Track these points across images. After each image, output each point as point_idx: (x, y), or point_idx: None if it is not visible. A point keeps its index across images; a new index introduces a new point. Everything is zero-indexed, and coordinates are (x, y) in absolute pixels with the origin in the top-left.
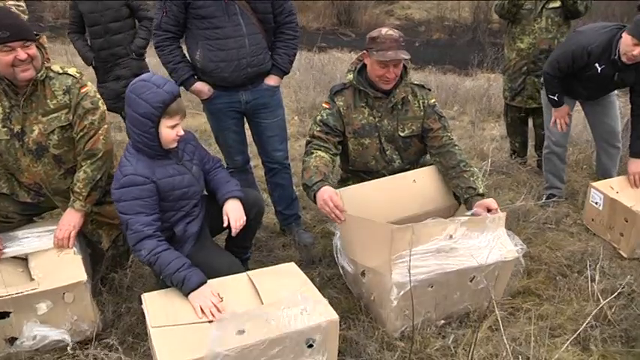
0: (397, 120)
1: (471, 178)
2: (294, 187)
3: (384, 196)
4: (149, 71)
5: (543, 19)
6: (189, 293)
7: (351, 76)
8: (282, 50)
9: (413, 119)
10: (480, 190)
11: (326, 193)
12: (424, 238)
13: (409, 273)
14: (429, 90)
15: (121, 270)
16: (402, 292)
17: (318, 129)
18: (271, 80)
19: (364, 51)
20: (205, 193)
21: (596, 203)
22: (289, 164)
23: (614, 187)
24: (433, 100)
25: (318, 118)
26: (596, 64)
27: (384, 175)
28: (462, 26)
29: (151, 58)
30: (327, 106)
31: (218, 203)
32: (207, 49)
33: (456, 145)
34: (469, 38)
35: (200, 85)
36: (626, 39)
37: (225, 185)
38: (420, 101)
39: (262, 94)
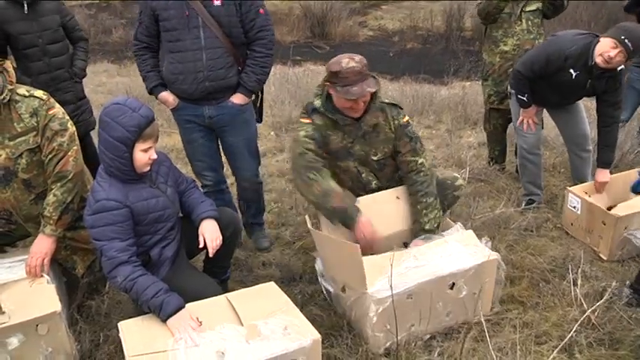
0: (369, 145)
1: (423, 211)
2: (263, 201)
3: (369, 213)
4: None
5: (523, 21)
6: (167, 319)
7: (319, 103)
8: (249, 68)
9: (385, 142)
10: (426, 227)
11: (368, 224)
12: (395, 264)
13: (391, 288)
14: (401, 109)
15: (97, 297)
16: (380, 309)
17: (311, 144)
18: (236, 98)
19: (327, 83)
20: (181, 214)
21: (574, 207)
22: (261, 182)
23: (587, 192)
24: (405, 119)
25: (303, 133)
26: (572, 70)
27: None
28: (435, 35)
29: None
30: (309, 121)
31: (193, 224)
32: (170, 62)
33: (421, 172)
34: (443, 47)
35: (166, 95)
36: (605, 41)
37: (200, 205)
38: (392, 122)
39: (227, 111)
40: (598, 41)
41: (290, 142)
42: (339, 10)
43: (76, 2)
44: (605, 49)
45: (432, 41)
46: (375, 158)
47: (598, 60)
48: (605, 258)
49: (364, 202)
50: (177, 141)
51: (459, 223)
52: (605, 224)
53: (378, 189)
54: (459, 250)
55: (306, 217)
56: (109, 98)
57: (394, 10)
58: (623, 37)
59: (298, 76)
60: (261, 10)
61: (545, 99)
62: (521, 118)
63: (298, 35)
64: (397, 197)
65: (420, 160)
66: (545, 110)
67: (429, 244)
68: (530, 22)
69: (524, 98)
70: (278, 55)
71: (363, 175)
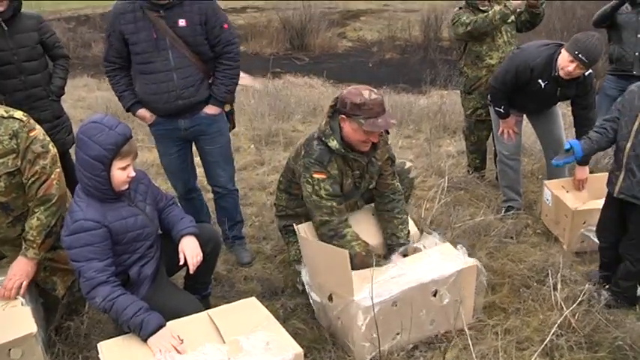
0: (370, 176)
1: (400, 226)
2: (240, 212)
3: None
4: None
5: (503, 33)
6: (147, 338)
7: (335, 144)
8: (219, 81)
9: (377, 170)
10: (402, 240)
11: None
12: (377, 274)
13: (371, 298)
14: (387, 132)
15: (77, 317)
16: (368, 317)
17: (334, 203)
18: (208, 109)
19: (341, 115)
20: (160, 232)
21: (547, 200)
22: (236, 189)
23: (565, 187)
24: (389, 144)
25: (324, 194)
26: (540, 80)
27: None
28: (414, 45)
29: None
30: (324, 176)
31: (173, 241)
32: (143, 83)
33: (397, 192)
34: (421, 56)
35: (143, 112)
36: (563, 55)
37: (180, 222)
38: (384, 147)
39: (201, 122)
40: (559, 53)
41: (308, 203)
42: (318, 22)
43: (55, 16)
44: (565, 64)
45: (410, 51)
46: (371, 187)
47: (560, 73)
48: (565, 248)
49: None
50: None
51: (435, 233)
52: (567, 217)
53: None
54: (439, 259)
55: (295, 226)
56: (88, 113)
57: (372, 20)
58: (577, 53)
59: (277, 88)
60: (225, 26)
61: (524, 107)
62: (501, 128)
63: (277, 47)
64: (372, 214)
65: (397, 183)
66: (524, 117)
67: (409, 257)
68: (509, 34)
69: (501, 110)
70: (257, 67)
71: (359, 204)
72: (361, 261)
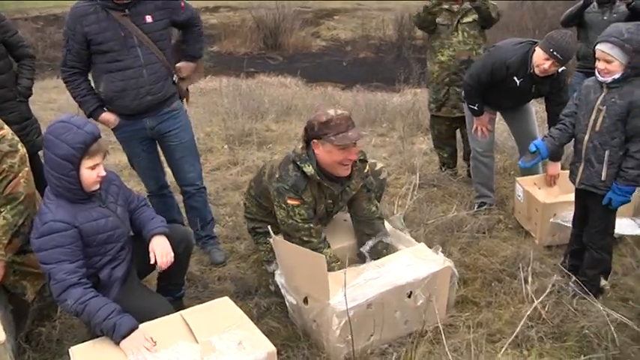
0: (343, 202)
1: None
2: (210, 211)
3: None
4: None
5: (460, 32)
6: (120, 340)
7: (310, 169)
8: (192, 41)
9: (351, 194)
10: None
11: None
12: (353, 276)
13: (345, 300)
14: (366, 161)
15: (48, 323)
16: (343, 321)
17: (311, 225)
18: (183, 67)
19: (313, 140)
20: (132, 233)
21: (519, 196)
22: (204, 187)
23: (537, 183)
24: (366, 170)
25: (299, 217)
26: (515, 78)
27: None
28: (388, 44)
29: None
30: (298, 202)
31: (144, 242)
32: (110, 81)
33: (373, 216)
34: (395, 55)
35: (107, 115)
36: (538, 53)
37: (150, 222)
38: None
39: (165, 118)
40: (534, 50)
41: (285, 226)
42: (292, 21)
43: (21, 15)
44: (540, 62)
45: (384, 50)
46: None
47: (536, 70)
48: (537, 242)
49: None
50: None
51: (407, 232)
52: (537, 211)
53: None
54: (414, 261)
55: (269, 228)
56: (59, 115)
57: (346, 19)
58: (551, 50)
59: (251, 87)
60: (183, 5)
61: (499, 104)
62: (475, 125)
63: (251, 47)
64: (345, 220)
65: (374, 207)
66: (498, 114)
67: (384, 258)
68: (466, 34)
69: (475, 107)
70: (231, 67)
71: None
72: None
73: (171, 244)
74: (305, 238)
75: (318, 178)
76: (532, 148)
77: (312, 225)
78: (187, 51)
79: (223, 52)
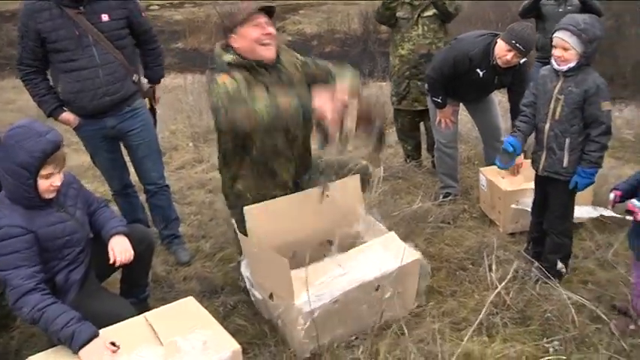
0: (293, 85)
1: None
2: (175, 210)
3: (294, 213)
4: None
5: (419, 26)
6: (79, 349)
7: (230, 57)
8: (152, 61)
9: (300, 77)
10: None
11: (323, 93)
12: (319, 274)
13: (309, 301)
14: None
15: (6, 333)
16: (308, 321)
17: (242, 90)
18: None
19: (230, 37)
20: (91, 235)
21: (483, 186)
22: (167, 185)
23: (500, 173)
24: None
25: (230, 86)
26: (478, 70)
27: (290, 157)
28: (353, 37)
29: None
30: (226, 76)
31: (104, 243)
32: (66, 82)
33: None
34: (360, 49)
35: (67, 115)
36: (500, 45)
37: (109, 222)
38: (297, 62)
39: (126, 118)
40: (496, 42)
41: (212, 107)
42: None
43: None
44: (502, 53)
45: (350, 44)
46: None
47: (498, 62)
48: (501, 230)
49: (287, 201)
50: None
51: (378, 222)
52: (500, 199)
53: (304, 143)
54: (382, 255)
55: (233, 220)
56: (19, 117)
57: (312, 14)
58: (514, 42)
59: None
60: (144, 14)
61: (462, 96)
62: (438, 117)
63: (216, 42)
64: (327, 195)
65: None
66: (461, 105)
67: (352, 251)
68: (426, 27)
69: (439, 100)
70: (196, 63)
71: (292, 131)
72: (288, 102)
73: (131, 243)
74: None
75: (239, 60)
76: (508, 148)
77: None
78: (147, 74)
79: (188, 49)
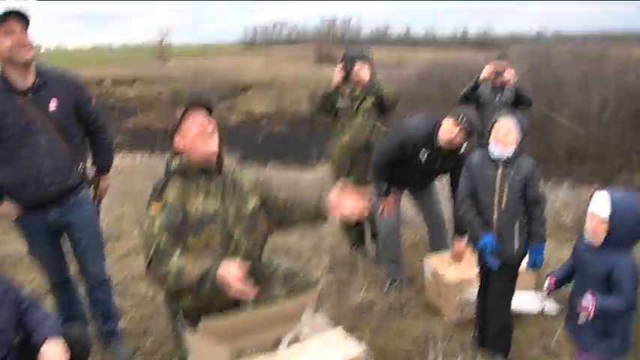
0: (236, 196)
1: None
2: (114, 304)
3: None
4: None
5: (359, 116)
6: None
7: (176, 162)
8: (102, 152)
9: (250, 193)
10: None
11: (229, 267)
12: None
13: None
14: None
15: None
16: None
17: (164, 239)
18: (104, 181)
19: (175, 138)
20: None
21: (428, 275)
22: (108, 279)
23: (445, 259)
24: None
25: (158, 225)
26: (422, 153)
27: None
28: (301, 118)
29: None
30: (159, 205)
31: (36, 346)
32: (9, 171)
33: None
34: (308, 130)
35: (6, 207)
36: (446, 123)
37: (42, 325)
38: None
39: (70, 210)
40: (440, 124)
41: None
42: (208, 95)
43: None
44: (447, 134)
45: (297, 124)
46: (246, 212)
47: (442, 143)
48: (446, 319)
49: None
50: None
51: (322, 314)
52: (444, 288)
53: (247, 256)
54: (326, 351)
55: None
56: None
57: (261, 94)
58: (461, 118)
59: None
60: (94, 101)
61: (407, 182)
62: (381, 207)
63: (167, 121)
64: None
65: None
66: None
67: (296, 347)
68: (366, 116)
69: (382, 189)
70: (147, 142)
71: (235, 237)
72: (193, 268)
73: (67, 344)
74: (153, 248)
75: (182, 167)
76: (490, 248)
77: (165, 244)
78: (96, 162)
79: (139, 127)
